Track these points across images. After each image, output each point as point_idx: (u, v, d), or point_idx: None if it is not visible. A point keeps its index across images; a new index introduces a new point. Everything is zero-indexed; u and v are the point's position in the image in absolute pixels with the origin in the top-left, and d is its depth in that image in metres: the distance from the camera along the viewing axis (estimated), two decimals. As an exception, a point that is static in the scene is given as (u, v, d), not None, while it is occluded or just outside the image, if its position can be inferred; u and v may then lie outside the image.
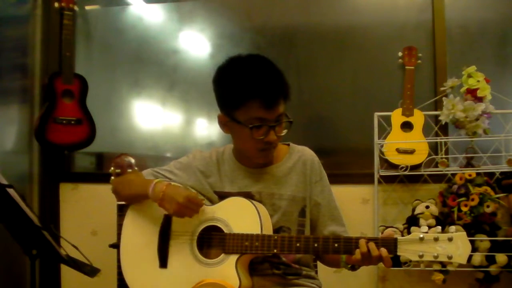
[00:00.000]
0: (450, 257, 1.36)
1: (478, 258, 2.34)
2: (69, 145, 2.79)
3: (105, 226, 2.52)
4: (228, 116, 1.62)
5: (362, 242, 1.44)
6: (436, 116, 2.56)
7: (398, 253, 1.42)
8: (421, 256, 1.39)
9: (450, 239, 1.37)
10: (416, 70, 2.63)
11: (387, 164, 2.54)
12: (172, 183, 1.65)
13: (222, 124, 1.68)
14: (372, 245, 1.43)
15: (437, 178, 2.53)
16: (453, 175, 2.44)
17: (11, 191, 1.67)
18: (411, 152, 2.49)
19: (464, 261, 1.36)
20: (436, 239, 1.38)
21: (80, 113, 2.77)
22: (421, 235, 1.40)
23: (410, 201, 2.54)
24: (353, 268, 1.53)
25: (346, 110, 2.83)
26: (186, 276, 1.63)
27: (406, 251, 1.41)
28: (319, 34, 2.87)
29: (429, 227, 2.29)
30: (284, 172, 1.71)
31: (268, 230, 1.60)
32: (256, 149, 1.62)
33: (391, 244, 1.43)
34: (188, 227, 1.66)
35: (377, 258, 1.43)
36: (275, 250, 1.55)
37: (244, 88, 1.55)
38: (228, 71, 1.61)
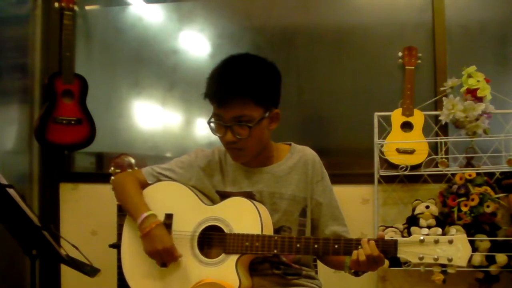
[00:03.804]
0: (450, 260, 1.36)
1: (478, 258, 2.34)
2: (69, 145, 2.79)
3: (105, 226, 2.52)
4: None
5: (364, 243, 1.44)
6: (436, 116, 2.56)
7: (398, 255, 1.42)
8: (421, 258, 1.39)
9: (450, 242, 1.37)
10: (416, 70, 2.63)
11: (387, 164, 2.54)
12: (161, 225, 1.65)
13: None
14: (372, 243, 1.44)
15: (437, 178, 2.53)
16: (453, 175, 2.44)
17: (11, 191, 1.67)
18: (411, 152, 2.49)
19: (464, 264, 1.36)
20: (436, 242, 1.38)
21: (80, 113, 2.77)
22: (422, 237, 1.39)
23: (410, 201, 2.54)
24: (357, 274, 1.53)
25: (346, 110, 2.83)
26: (186, 276, 1.63)
27: (406, 253, 1.41)
28: (319, 34, 2.87)
29: (429, 227, 2.31)
30: (285, 172, 1.70)
31: (269, 231, 1.60)
32: (224, 147, 1.67)
33: (391, 246, 1.43)
34: (189, 227, 1.66)
35: (380, 258, 1.43)
36: (275, 251, 1.56)
37: (207, 83, 1.61)
38: (215, 67, 1.64)
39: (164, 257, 1.63)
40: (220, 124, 1.59)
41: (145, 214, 1.64)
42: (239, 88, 1.55)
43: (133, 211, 1.69)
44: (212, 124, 1.62)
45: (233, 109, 1.55)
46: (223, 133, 1.60)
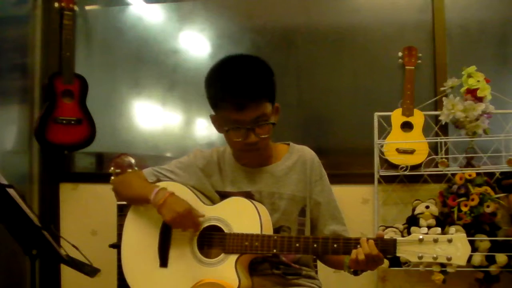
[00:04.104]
0: (449, 259, 1.36)
1: (478, 258, 2.34)
2: (69, 145, 2.79)
3: (105, 226, 2.52)
4: (216, 116, 1.64)
5: (363, 242, 1.45)
6: (436, 116, 2.56)
7: (397, 254, 1.42)
8: (420, 258, 1.38)
9: (449, 241, 1.37)
10: (416, 70, 2.63)
11: (387, 164, 2.54)
12: (175, 193, 1.65)
13: (216, 125, 1.69)
14: (371, 242, 1.44)
15: (437, 178, 2.53)
16: (453, 175, 2.44)
17: (11, 191, 1.67)
18: (411, 152, 2.49)
19: (463, 262, 1.36)
20: (435, 241, 1.38)
21: (80, 113, 2.77)
22: (421, 236, 1.39)
23: (410, 201, 2.54)
24: (356, 273, 1.53)
25: (346, 110, 2.83)
26: (186, 276, 1.63)
27: (405, 252, 1.41)
28: (319, 34, 2.87)
29: (429, 227, 2.30)
30: (284, 172, 1.70)
31: (268, 230, 1.60)
32: (239, 150, 1.64)
33: (390, 245, 1.43)
34: (189, 227, 1.66)
35: (379, 257, 1.43)
36: (274, 250, 1.55)
37: (216, 91, 1.57)
38: (210, 73, 1.62)
39: (186, 220, 1.61)
40: (239, 128, 1.57)
41: (157, 189, 1.64)
42: (255, 90, 1.55)
43: (143, 192, 1.67)
44: (230, 131, 1.58)
45: (253, 111, 1.55)
46: (244, 136, 1.57)
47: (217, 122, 1.65)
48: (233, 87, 1.54)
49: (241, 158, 1.69)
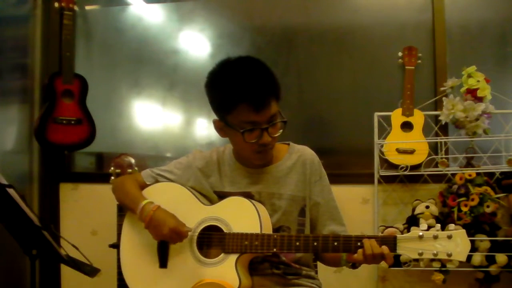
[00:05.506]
0: (449, 255, 1.36)
1: (478, 258, 2.34)
2: (69, 145, 2.79)
3: (105, 226, 2.52)
4: (222, 121, 1.62)
5: (365, 242, 1.45)
6: (436, 116, 2.56)
7: (398, 251, 1.42)
8: (420, 254, 1.39)
9: (449, 237, 1.37)
10: (416, 70, 2.63)
11: (387, 164, 2.54)
12: (161, 206, 1.65)
13: (218, 129, 1.68)
14: (373, 242, 1.44)
15: (437, 178, 2.53)
16: (453, 175, 2.44)
17: (11, 191, 1.67)
18: (411, 152, 2.49)
19: (463, 258, 1.36)
20: (435, 237, 1.38)
21: (80, 113, 2.77)
22: (421, 233, 1.39)
23: (410, 201, 2.54)
24: (354, 266, 1.53)
25: (346, 110, 2.83)
26: (186, 276, 1.63)
27: (406, 249, 1.41)
28: (319, 34, 2.86)
29: (429, 227, 2.31)
30: (284, 172, 1.71)
31: (268, 230, 1.60)
32: (252, 152, 1.62)
33: (390, 242, 1.43)
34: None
35: (379, 256, 1.44)
36: (274, 249, 1.56)
37: (232, 93, 1.55)
38: (217, 76, 1.61)
39: (174, 239, 1.62)
40: (254, 129, 1.56)
41: (142, 204, 1.65)
42: (271, 89, 1.56)
43: (132, 205, 1.70)
44: (246, 133, 1.56)
45: (268, 111, 1.55)
46: (258, 137, 1.57)
47: (225, 126, 1.63)
48: (253, 88, 1.53)
49: (253, 160, 1.67)
